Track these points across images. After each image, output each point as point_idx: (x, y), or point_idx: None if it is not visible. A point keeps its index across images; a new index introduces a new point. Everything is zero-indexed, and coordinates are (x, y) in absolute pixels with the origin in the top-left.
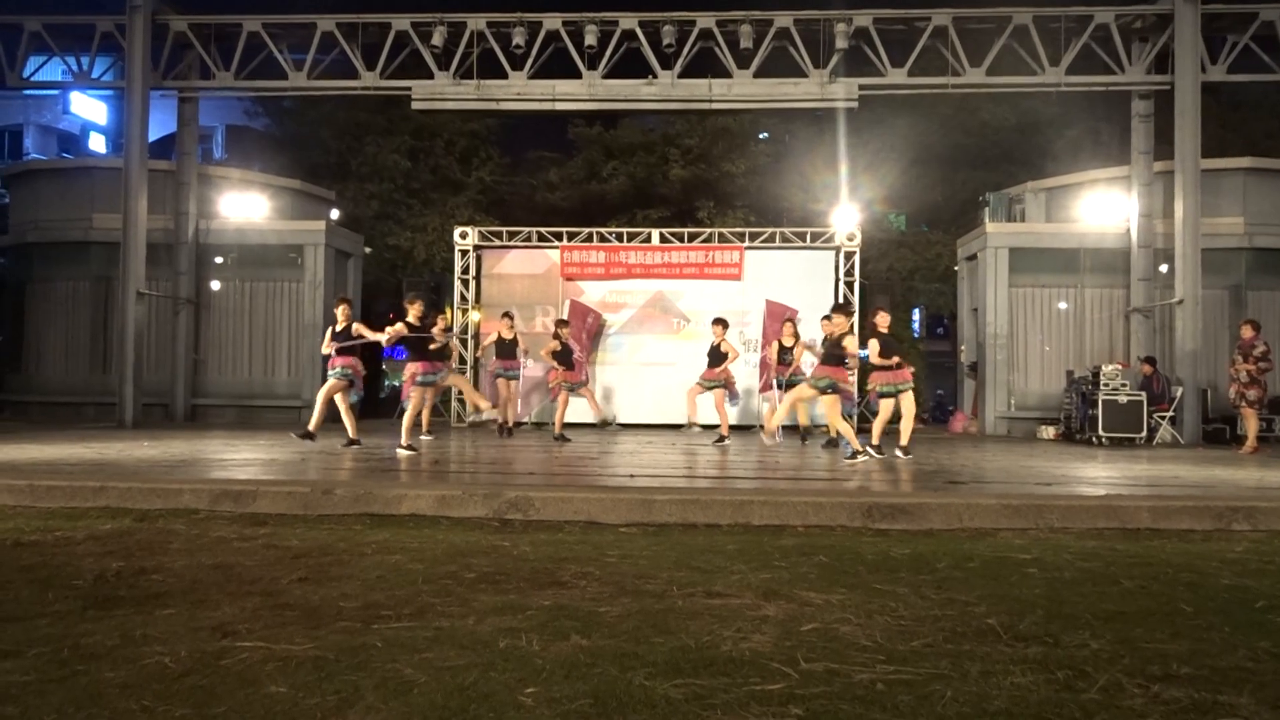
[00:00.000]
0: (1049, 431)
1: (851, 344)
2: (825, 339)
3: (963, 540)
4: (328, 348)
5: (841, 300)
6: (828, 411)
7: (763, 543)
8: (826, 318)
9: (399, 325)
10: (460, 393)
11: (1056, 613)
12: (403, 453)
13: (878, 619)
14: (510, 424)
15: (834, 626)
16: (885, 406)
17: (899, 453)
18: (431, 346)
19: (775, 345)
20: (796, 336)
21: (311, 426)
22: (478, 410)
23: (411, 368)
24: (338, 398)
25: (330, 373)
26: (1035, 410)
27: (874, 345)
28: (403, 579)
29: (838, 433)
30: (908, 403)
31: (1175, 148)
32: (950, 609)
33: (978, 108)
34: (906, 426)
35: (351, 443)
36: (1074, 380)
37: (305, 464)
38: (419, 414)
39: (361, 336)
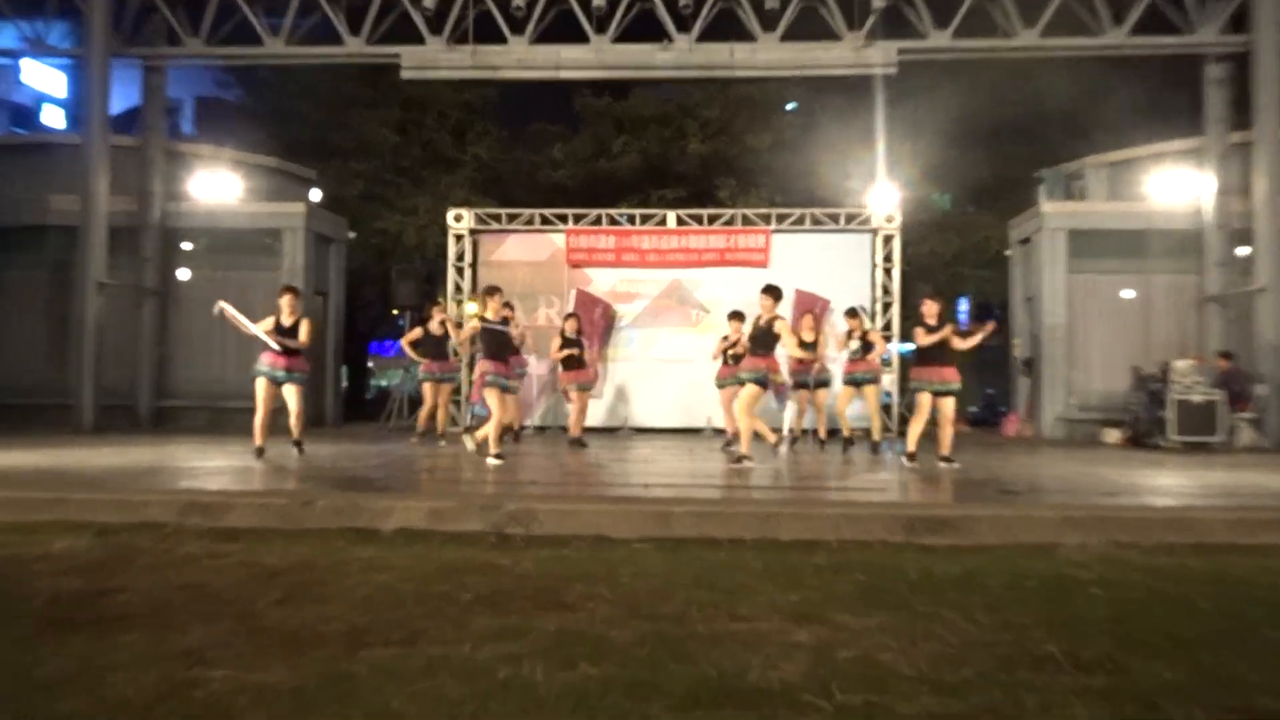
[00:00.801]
0: (1113, 435)
1: (783, 329)
2: (755, 324)
3: (1017, 557)
4: (270, 339)
5: (880, 289)
6: (741, 405)
7: (792, 560)
8: (769, 296)
9: (474, 322)
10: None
11: (1124, 638)
12: (493, 462)
13: (922, 645)
14: (515, 428)
15: (873, 654)
16: (923, 406)
17: (941, 462)
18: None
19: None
20: (818, 329)
21: (297, 435)
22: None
23: (482, 366)
24: (295, 399)
25: (292, 376)
26: (1097, 411)
27: (921, 336)
28: (391, 600)
29: (854, 432)
30: (947, 407)
31: (1254, 117)
32: (1004, 634)
33: (1031, 74)
34: (946, 432)
35: (297, 444)
36: (1141, 377)
37: (283, 473)
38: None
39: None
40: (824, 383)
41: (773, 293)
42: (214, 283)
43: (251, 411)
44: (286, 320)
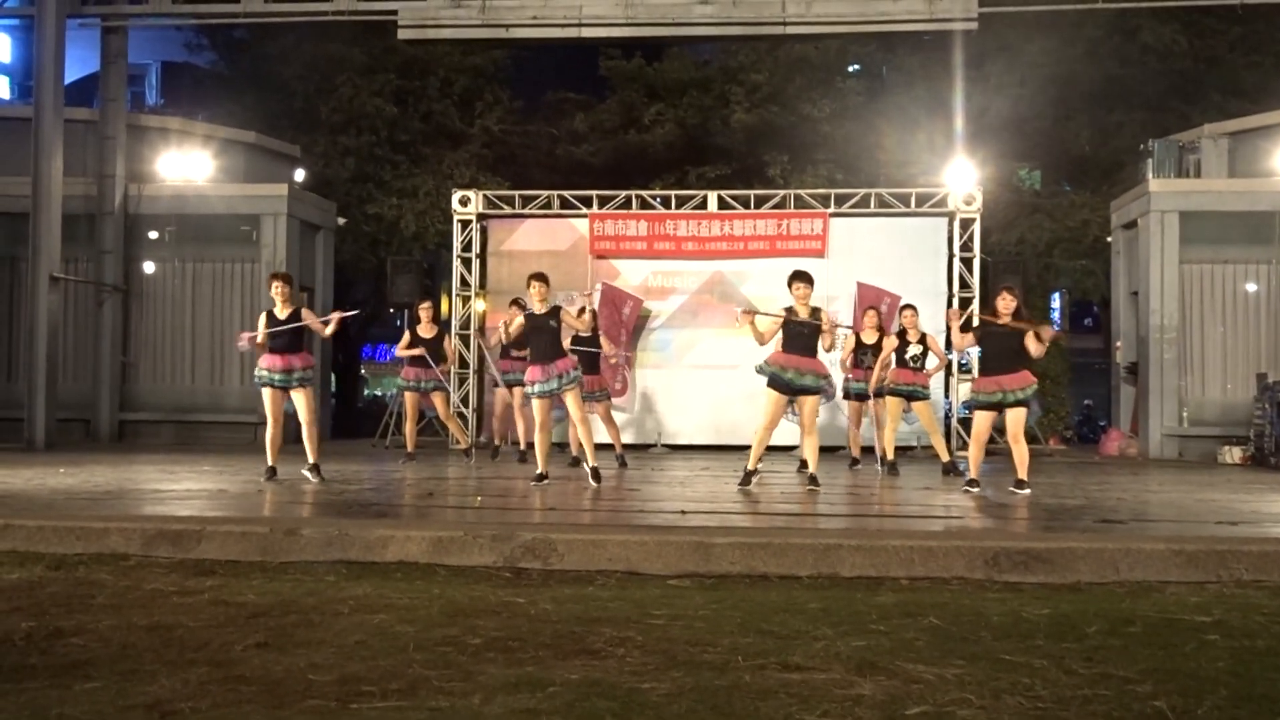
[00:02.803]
0: (1234, 454)
1: (825, 321)
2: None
3: (1120, 597)
4: (263, 338)
5: (958, 282)
6: (809, 420)
7: (855, 600)
8: (805, 284)
9: (520, 319)
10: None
11: (1246, 694)
12: (534, 485)
13: (1007, 700)
14: (504, 442)
15: (949, 710)
16: (982, 422)
17: (1014, 488)
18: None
19: (853, 341)
20: (882, 330)
21: (313, 458)
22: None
23: (529, 374)
24: (305, 407)
25: (295, 378)
26: (1215, 426)
27: (962, 336)
28: (389, 645)
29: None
30: (1014, 420)
31: None
32: (1104, 688)
33: (1138, 28)
34: (1019, 452)
35: (314, 469)
36: (1268, 386)
37: (263, 497)
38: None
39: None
40: (895, 394)
41: (808, 279)
42: (184, 277)
43: (228, 426)
44: (282, 312)
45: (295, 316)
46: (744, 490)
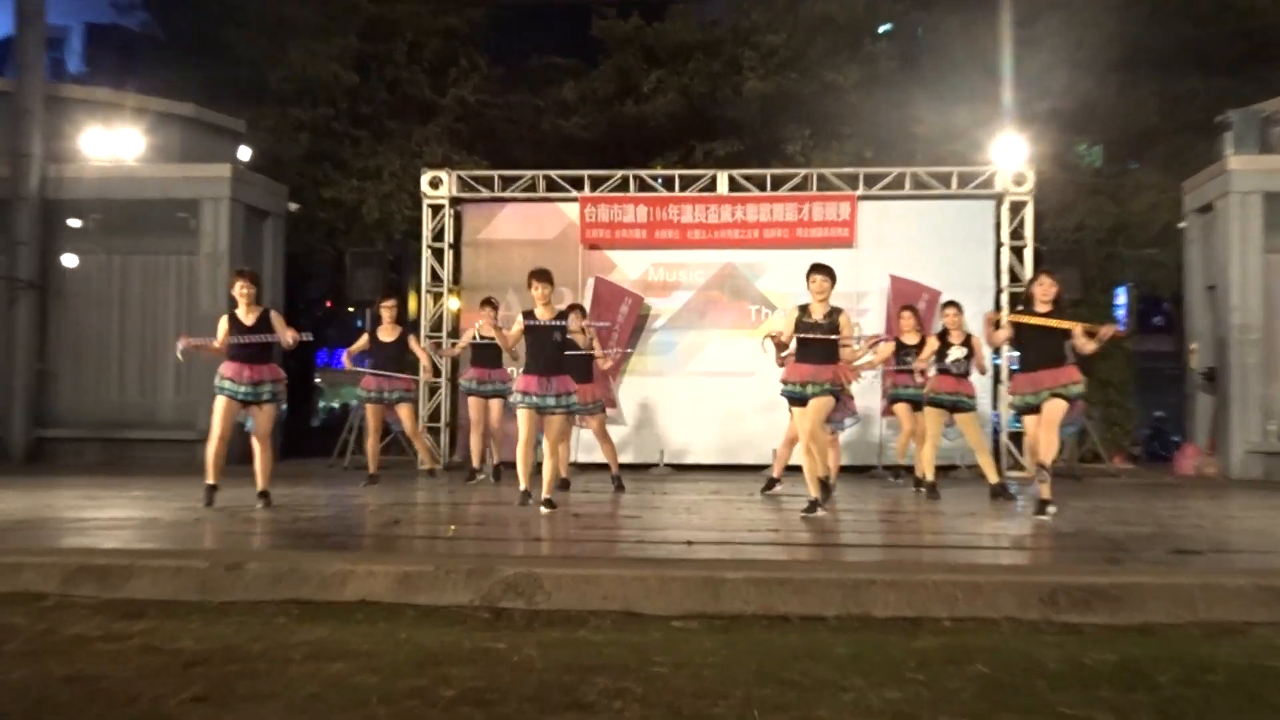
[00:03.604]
0: None
1: (845, 324)
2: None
3: (1197, 641)
4: (220, 344)
5: (1007, 275)
6: (813, 427)
7: (890, 644)
8: (826, 278)
9: (519, 324)
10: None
11: None
12: (544, 510)
13: None
14: (484, 464)
15: None
16: (1031, 427)
17: (1044, 513)
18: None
19: (893, 344)
20: (921, 330)
21: (263, 484)
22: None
23: (519, 383)
24: (265, 422)
25: (264, 391)
26: None
27: (994, 332)
28: (348, 699)
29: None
30: (1050, 412)
31: None
32: None
33: None
34: (1047, 439)
35: (263, 496)
36: None
37: (201, 526)
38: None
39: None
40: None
41: (828, 272)
42: (110, 272)
43: (162, 444)
44: (247, 316)
45: (264, 321)
46: (768, 495)
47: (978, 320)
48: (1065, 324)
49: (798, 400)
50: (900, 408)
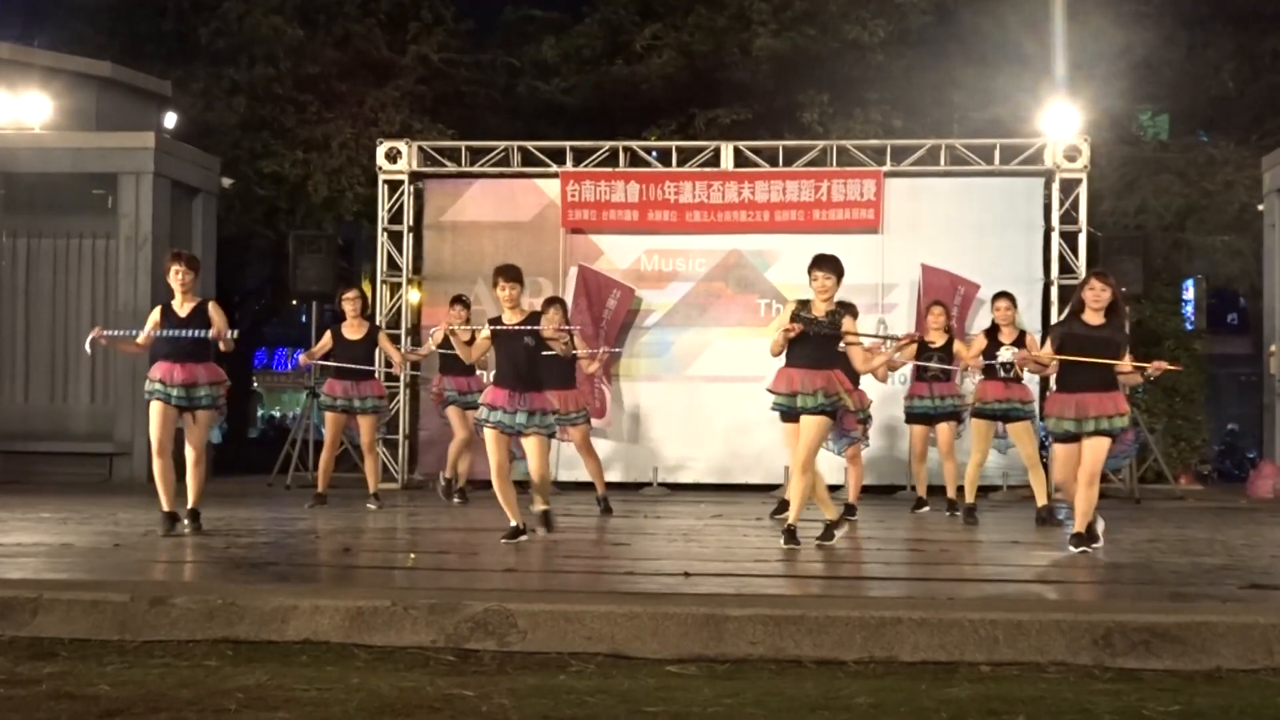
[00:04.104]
0: None
1: (849, 325)
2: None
3: (1273, 689)
4: (145, 338)
5: (1057, 264)
6: (806, 453)
7: (919, 693)
8: (830, 272)
9: (485, 331)
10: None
11: None
12: (543, 533)
13: None
14: (460, 483)
15: None
16: (1066, 458)
17: (1072, 545)
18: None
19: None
20: (950, 332)
21: (194, 502)
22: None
23: (486, 396)
24: (199, 433)
25: (200, 396)
26: None
27: (1041, 369)
28: None
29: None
30: (1092, 452)
31: None
32: None
33: None
34: (1086, 496)
35: (193, 516)
36: None
37: (119, 554)
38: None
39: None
40: (955, 414)
41: (834, 267)
42: (14, 257)
43: (74, 457)
44: (182, 307)
45: (200, 314)
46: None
47: (1027, 314)
48: (1108, 361)
49: (789, 416)
50: (916, 429)
